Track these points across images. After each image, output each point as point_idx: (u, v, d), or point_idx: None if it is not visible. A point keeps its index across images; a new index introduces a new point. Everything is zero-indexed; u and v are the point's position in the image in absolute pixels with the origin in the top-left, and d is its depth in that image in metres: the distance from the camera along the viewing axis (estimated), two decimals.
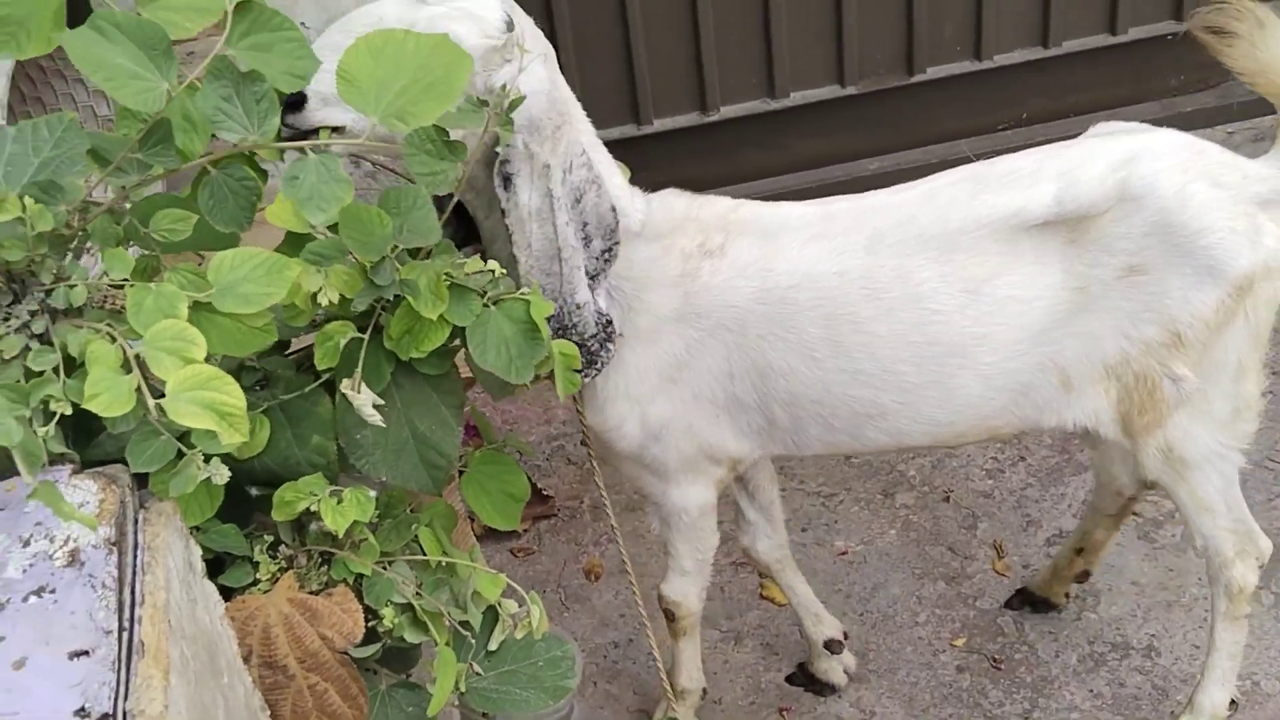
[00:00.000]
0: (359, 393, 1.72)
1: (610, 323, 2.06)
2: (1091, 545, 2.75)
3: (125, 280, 1.54)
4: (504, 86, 1.81)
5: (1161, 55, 3.91)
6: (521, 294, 1.77)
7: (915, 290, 2.07)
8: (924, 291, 2.07)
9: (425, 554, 1.90)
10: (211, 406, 1.46)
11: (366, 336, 1.74)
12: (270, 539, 1.81)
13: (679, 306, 2.12)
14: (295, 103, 1.85)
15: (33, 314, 1.55)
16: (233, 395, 1.47)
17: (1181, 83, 3.99)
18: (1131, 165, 2.02)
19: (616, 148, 3.77)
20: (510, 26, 1.89)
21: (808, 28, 3.80)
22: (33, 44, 1.56)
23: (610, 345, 2.06)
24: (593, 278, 2.02)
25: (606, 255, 2.03)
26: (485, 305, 1.75)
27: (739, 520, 2.67)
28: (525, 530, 3.28)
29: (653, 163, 3.87)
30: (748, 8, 3.74)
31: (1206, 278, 2.03)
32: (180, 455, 1.54)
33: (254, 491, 1.85)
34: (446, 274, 1.72)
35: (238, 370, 1.82)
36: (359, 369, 1.72)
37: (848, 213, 2.13)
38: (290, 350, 1.92)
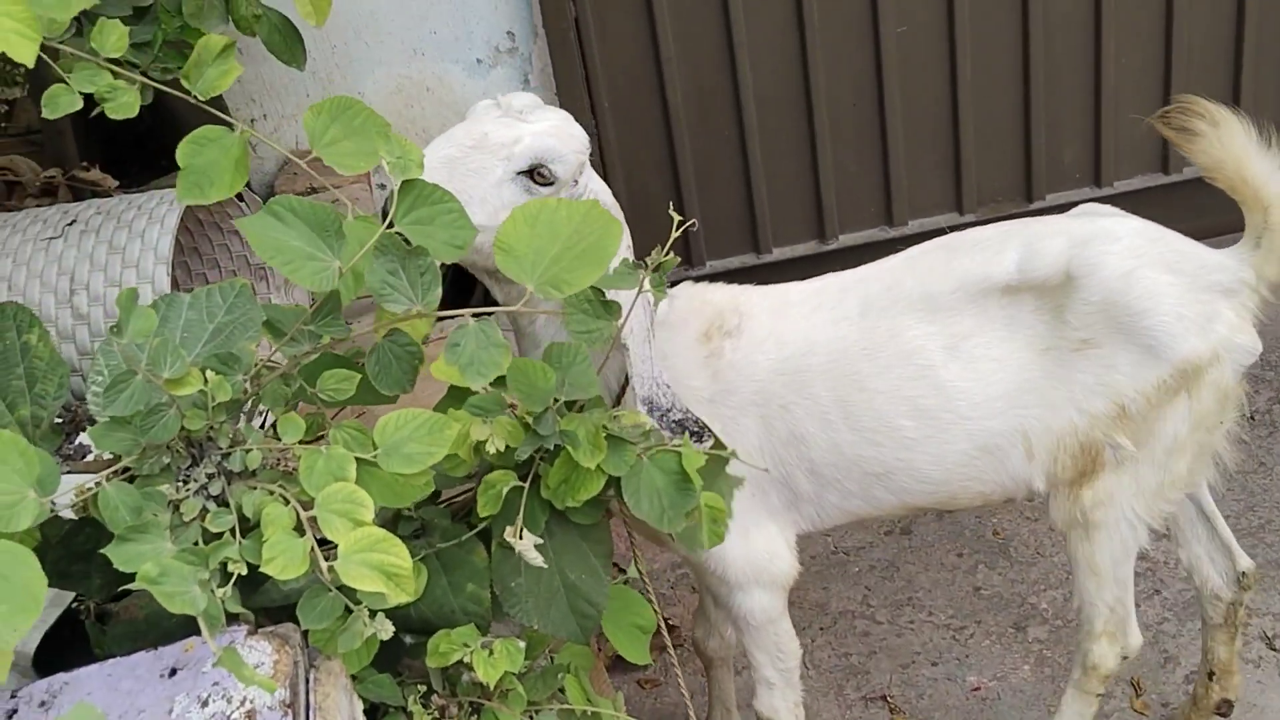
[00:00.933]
0: (520, 538, 1.77)
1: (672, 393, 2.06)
2: (1220, 666, 2.69)
3: (297, 444, 1.62)
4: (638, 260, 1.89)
5: None
6: (674, 446, 1.82)
7: (905, 347, 2.22)
8: (913, 348, 2.21)
9: (570, 702, 1.93)
10: (380, 568, 1.51)
11: (526, 485, 1.79)
12: (423, 688, 1.86)
13: (710, 386, 2.24)
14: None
15: (210, 476, 1.63)
16: (400, 556, 1.53)
17: None
18: (1086, 245, 2.14)
19: (737, 276, 3.90)
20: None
21: (925, 156, 3.85)
22: (215, 190, 1.65)
23: (693, 415, 2.03)
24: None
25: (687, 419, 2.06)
26: (639, 456, 1.80)
27: (698, 612, 2.78)
28: (654, 661, 3.29)
29: None
30: (865, 137, 3.81)
31: (1149, 356, 2.14)
32: (347, 611, 1.60)
33: (408, 639, 1.90)
34: (604, 426, 1.78)
35: (395, 519, 1.89)
36: (520, 515, 1.77)
37: (841, 285, 2.30)
38: (443, 499, 1.98)
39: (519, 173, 2.01)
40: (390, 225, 1.61)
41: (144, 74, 1.90)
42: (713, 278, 3.92)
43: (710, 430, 2.06)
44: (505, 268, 1.62)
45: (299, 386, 1.72)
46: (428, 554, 1.87)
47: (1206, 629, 2.67)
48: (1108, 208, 2.39)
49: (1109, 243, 2.15)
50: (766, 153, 3.80)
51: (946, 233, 3.91)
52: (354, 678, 1.80)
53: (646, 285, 1.88)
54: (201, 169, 1.66)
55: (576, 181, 2.07)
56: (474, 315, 1.61)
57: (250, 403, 1.71)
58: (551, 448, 1.75)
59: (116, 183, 2.95)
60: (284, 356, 1.68)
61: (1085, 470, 2.27)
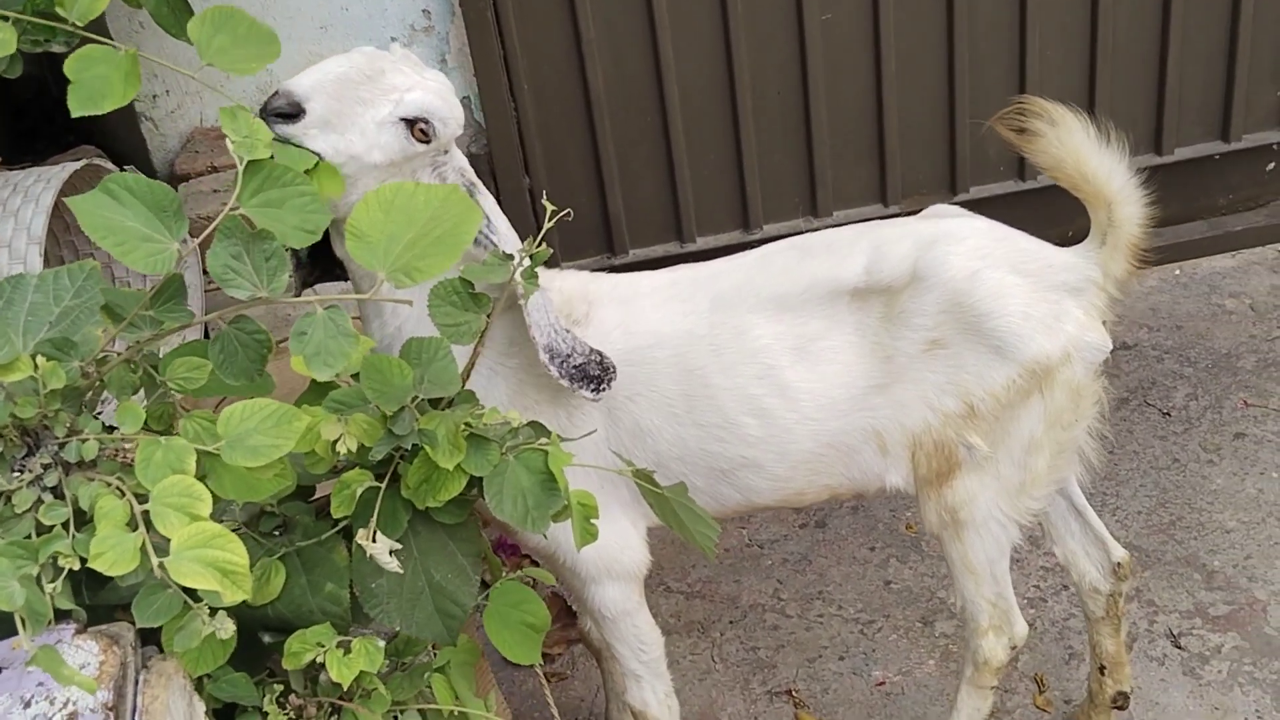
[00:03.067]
0: (374, 541, 1.71)
1: (602, 361, 2.12)
2: (1110, 659, 2.67)
3: (137, 434, 1.55)
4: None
5: (1209, 175, 3.87)
6: (540, 444, 1.77)
7: (751, 345, 2.20)
8: (759, 347, 2.20)
9: (438, 702, 1.88)
10: (215, 565, 1.46)
11: (384, 485, 1.73)
12: (280, 688, 1.80)
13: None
14: (290, 114, 1.88)
15: (45, 467, 1.56)
16: (236, 553, 1.47)
17: (1230, 202, 3.95)
18: (931, 247, 2.15)
19: (661, 264, 3.85)
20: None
21: (850, 146, 3.81)
22: (109, 101, 1.60)
23: (611, 367, 2.13)
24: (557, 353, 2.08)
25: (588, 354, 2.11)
26: (503, 455, 1.74)
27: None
28: (559, 654, 3.24)
29: None
30: (790, 126, 3.77)
31: (996, 357, 2.14)
32: (187, 608, 1.54)
33: (267, 638, 1.84)
34: (466, 424, 1.72)
35: (258, 516, 1.83)
36: (374, 518, 1.71)
37: (695, 277, 2.28)
38: (315, 496, 1.92)
39: (403, 119, 1.96)
40: (235, 208, 1.55)
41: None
42: (635, 266, 3.91)
43: (614, 370, 2.11)
44: (356, 253, 1.56)
45: (145, 373, 1.66)
46: (287, 551, 1.80)
47: (1090, 624, 2.66)
48: (955, 209, 2.38)
49: (953, 244, 2.15)
50: (690, 140, 3.74)
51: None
52: (207, 676, 1.74)
53: (517, 278, 1.83)
54: (92, 82, 1.62)
55: (447, 151, 2.04)
56: (322, 304, 1.55)
57: (94, 391, 1.64)
58: (410, 447, 1.70)
59: (1, 158, 2.86)
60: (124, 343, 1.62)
61: (943, 470, 2.26)
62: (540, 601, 2.06)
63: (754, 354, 2.23)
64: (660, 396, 2.25)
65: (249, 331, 1.59)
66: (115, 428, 1.58)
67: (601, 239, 3.86)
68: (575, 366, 2.07)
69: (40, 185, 2.34)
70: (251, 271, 1.54)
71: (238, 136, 1.53)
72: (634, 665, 2.46)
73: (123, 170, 2.57)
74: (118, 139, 3.45)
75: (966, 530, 2.32)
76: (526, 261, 1.85)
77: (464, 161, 2.09)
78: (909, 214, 3.88)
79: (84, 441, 1.56)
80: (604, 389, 2.13)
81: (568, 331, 2.05)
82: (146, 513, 1.48)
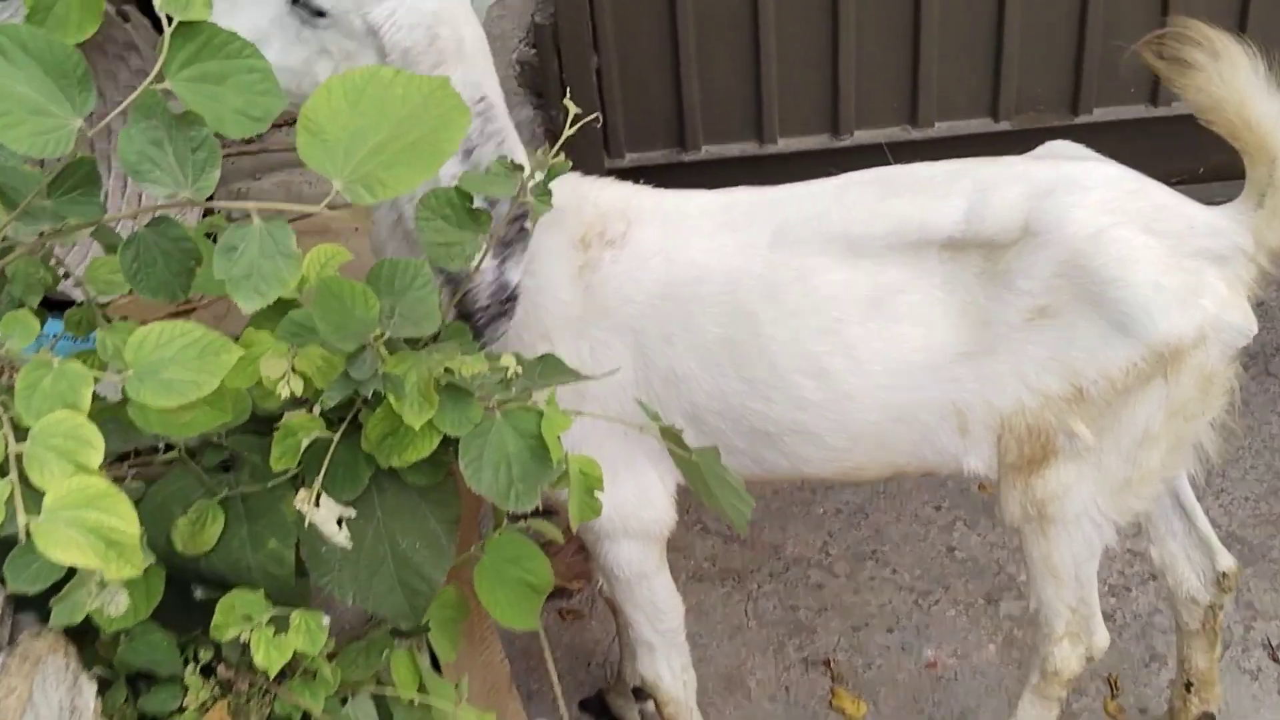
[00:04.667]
0: (317, 506, 1.40)
1: (512, 299, 1.77)
2: (1199, 677, 2.34)
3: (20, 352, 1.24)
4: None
5: None
6: (533, 404, 1.44)
7: (817, 293, 1.88)
8: (825, 295, 1.88)
9: (396, 685, 1.59)
10: (96, 531, 1.15)
11: (337, 435, 1.42)
12: (210, 654, 1.52)
13: (581, 302, 1.92)
14: None
15: None
16: (124, 518, 1.17)
17: None
18: (1048, 196, 1.81)
19: (736, 166, 3.46)
20: None
21: (962, 49, 3.37)
22: (63, 33, 1.26)
23: (501, 323, 1.78)
24: (505, 244, 1.70)
25: (520, 224, 1.70)
26: (487, 412, 1.41)
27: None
28: (577, 590, 2.96)
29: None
30: (896, 19, 3.33)
31: (1118, 334, 1.81)
32: (71, 574, 1.25)
33: (199, 593, 1.55)
34: (446, 369, 1.39)
35: (201, 447, 1.53)
36: (319, 478, 1.40)
37: (754, 203, 1.96)
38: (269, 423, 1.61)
39: (293, 2, 1.69)
40: (159, 79, 1.21)
41: None
42: (709, 165, 3.52)
43: (494, 330, 1.76)
44: (307, 155, 1.22)
45: (49, 272, 1.34)
46: (230, 495, 1.50)
47: (1181, 635, 2.32)
48: (1078, 147, 2.00)
49: (1077, 194, 1.80)
50: (782, 26, 3.31)
51: (977, 142, 3.49)
52: (126, 633, 1.46)
53: (527, 195, 1.48)
54: (45, 5, 1.26)
55: (375, 31, 1.68)
56: (261, 212, 1.22)
57: None
58: (371, 394, 1.37)
59: None
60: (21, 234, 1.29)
61: (1035, 457, 1.92)
62: (543, 558, 1.74)
63: (818, 303, 1.89)
64: (700, 340, 1.91)
65: (172, 237, 1.27)
66: None
67: (672, 130, 3.46)
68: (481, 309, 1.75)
69: (7, 11, 2.01)
70: (174, 163, 1.20)
71: None
72: (648, 633, 2.17)
73: (121, 10, 2.23)
74: None
75: (1054, 527, 1.99)
76: (539, 176, 1.49)
77: (481, 76, 1.73)
78: (1019, 134, 3.50)
79: None
80: (483, 334, 1.77)
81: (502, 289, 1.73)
82: (19, 457, 1.18)
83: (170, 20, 1.19)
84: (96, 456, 1.18)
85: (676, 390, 1.95)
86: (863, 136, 3.48)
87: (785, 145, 3.49)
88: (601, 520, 2.00)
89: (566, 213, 1.84)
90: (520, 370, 1.47)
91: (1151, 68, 1.91)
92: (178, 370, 1.24)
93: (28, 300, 1.35)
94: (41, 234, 1.25)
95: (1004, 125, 3.45)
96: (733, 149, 3.49)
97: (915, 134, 3.46)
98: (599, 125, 1.63)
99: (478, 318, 1.77)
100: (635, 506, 2.03)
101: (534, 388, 1.53)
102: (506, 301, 1.77)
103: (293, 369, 1.35)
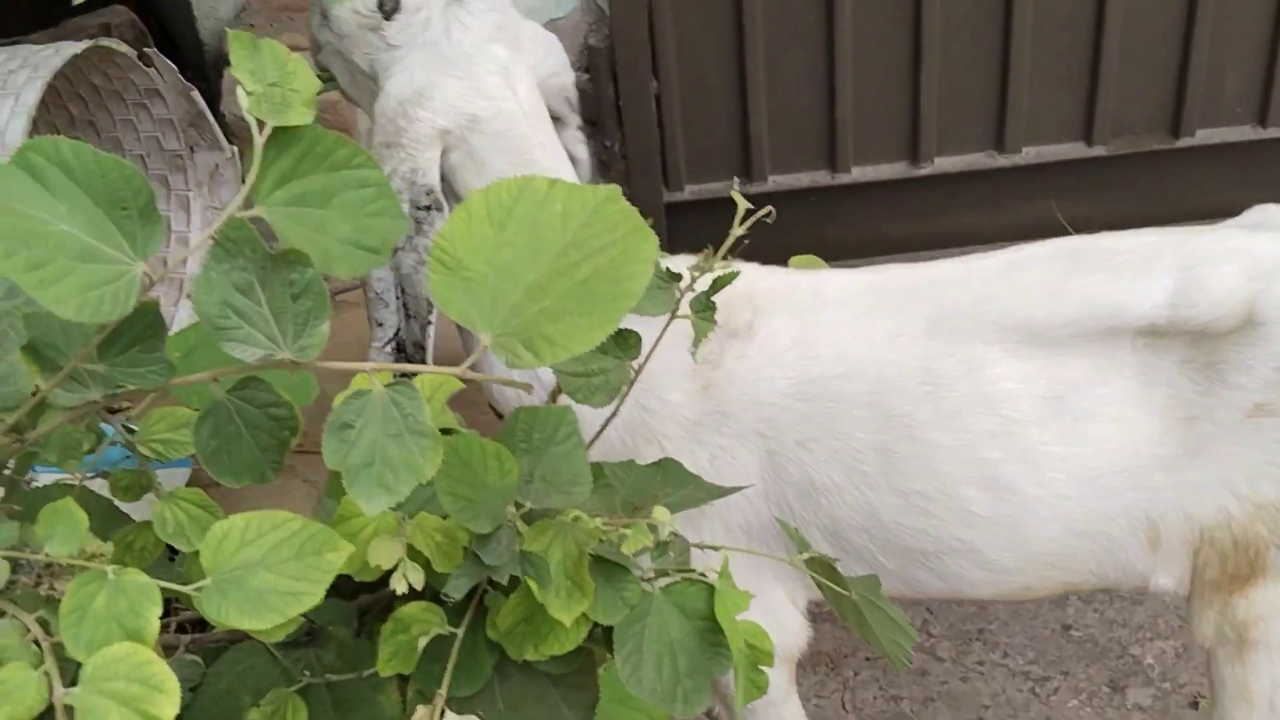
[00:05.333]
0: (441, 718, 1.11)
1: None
2: None
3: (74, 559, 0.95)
4: None
5: None
6: (700, 575, 1.14)
7: (987, 389, 1.61)
8: (998, 392, 1.60)
9: None
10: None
11: (462, 630, 1.12)
12: None
13: (698, 405, 1.66)
14: (394, 5, 1.61)
15: None
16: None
17: None
18: (1275, 278, 1.53)
19: (805, 197, 3.17)
20: (388, 10, 1.61)
21: (1053, 68, 3.08)
22: None
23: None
24: (408, 359, 1.63)
25: (422, 354, 1.62)
26: (645, 592, 1.12)
27: None
28: None
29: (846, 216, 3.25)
30: (983, 37, 3.04)
31: None
32: None
33: None
34: (596, 539, 1.09)
35: None
36: (446, 681, 1.10)
37: (908, 283, 1.69)
38: (364, 595, 1.31)
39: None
40: (247, 205, 0.91)
41: None
42: (775, 196, 3.22)
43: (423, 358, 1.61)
44: (444, 299, 0.91)
45: (95, 433, 1.04)
46: (313, 683, 1.21)
47: None
48: None
49: None
50: (859, 46, 3.03)
51: (1068, 169, 3.20)
52: None
53: (685, 308, 1.18)
54: None
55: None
56: (384, 372, 0.92)
57: (17, 460, 1.04)
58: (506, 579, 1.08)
59: None
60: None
61: (1240, 574, 1.64)
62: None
63: (990, 402, 1.60)
64: (846, 447, 1.63)
65: (261, 404, 0.97)
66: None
67: (737, 159, 3.17)
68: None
69: (23, 74, 1.71)
70: (268, 316, 0.90)
71: (255, 83, 0.89)
72: None
73: (143, 53, 1.93)
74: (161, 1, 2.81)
75: (1255, 652, 1.69)
76: (703, 283, 1.20)
77: (480, 162, 1.60)
78: (1114, 159, 3.22)
79: None
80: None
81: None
82: (69, 709, 0.89)
83: (262, 126, 0.88)
84: (171, 708, 0.89)
85: (815, 504, 1.67)
86: (943, 164, 3.19)
87: (859, 174, 3.20)
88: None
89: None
90: (678, 530, 1.17)
91: None
92: (270, 577, 0.95)
93: (66, 465, 1.05)
94: (90, 402, 0.95)
95: (1098, 150, 3.17)
96: (802, 179, 3.20)
97: (1001, 160, 3.18)
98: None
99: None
100: (768, 631, 1.74)
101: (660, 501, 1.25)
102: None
103: (405, 557, 1.06)
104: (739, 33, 2.99)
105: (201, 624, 1.26)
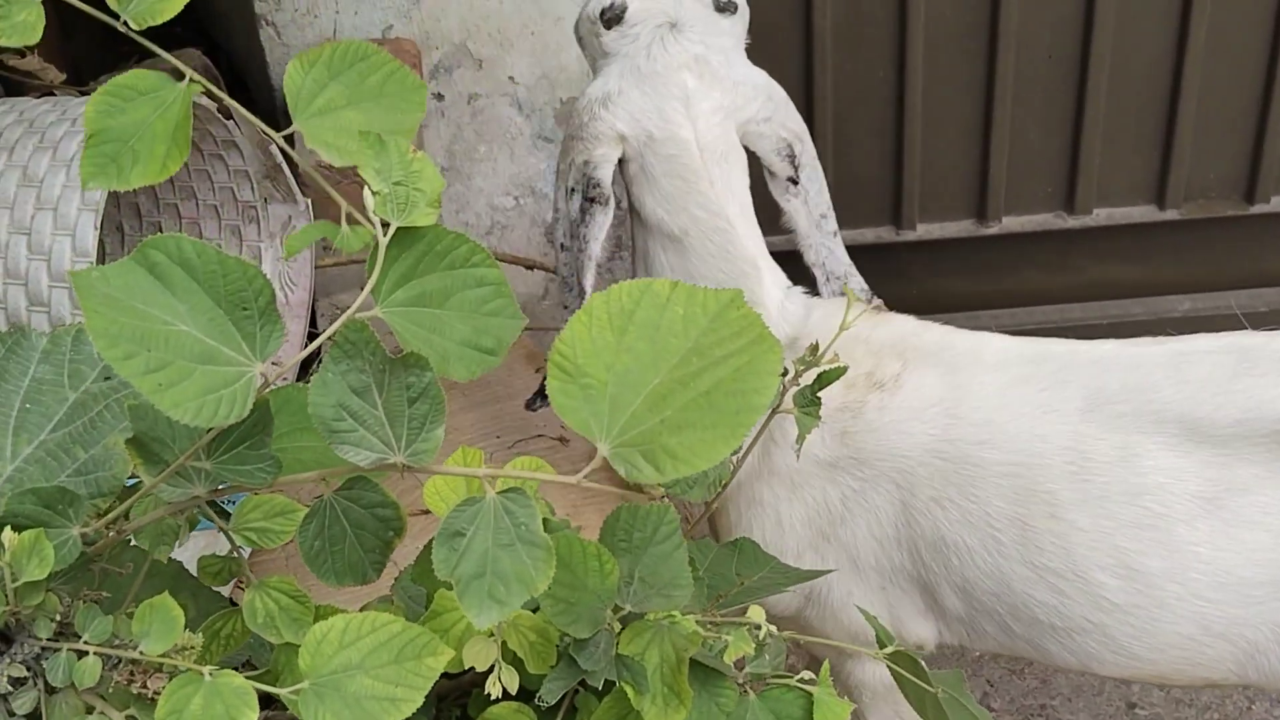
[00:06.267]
0: None
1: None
2: None
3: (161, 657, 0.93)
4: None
5: None
6: (800, 680, 1.11)
7: (1139, 479, 1.58)
8: (1149, 484, 1.57)
9: None
10: None
11: None
12: None
13: (835, 449, 1.69)
14: (615, 17, 1.70)
15: (16, 682, 0.95)
16: None
17: None
18: None
19: (868, 252, 3.13)
20: (609, 20, 1.70)
21: (1127, 129, 3.04)
22: (141, 171, 0.95)
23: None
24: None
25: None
26: (742, 697, 1.09)
27: None
28: None
29: (910, 273, 3.21)
30: (1057, 95, 3.00)
31: None
32: None
33: None
34: (694, 640, 1.06)
35: None
36: None
37: (1070, 357, 1.66)
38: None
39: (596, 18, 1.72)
40: (367, 307, 0.89)
41: None
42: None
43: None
44: (563, 406, 0.89)
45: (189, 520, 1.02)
46: None
47: None
48: None
49: None
50: (929, 103, 2.99)
51: (1139, 232, 3.15)
52: None
53: (788, 403, 1.15)
54: (120, 134, 0.95)
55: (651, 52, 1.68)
56: (493, 481, 0.89)
57: (111, 552, 1.02)
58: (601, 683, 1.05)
59: (64, 75, 2.22)
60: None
61: None
62: None
63: (1138, 491, 1.57)
64: (981, 512, 1.62)
65: (367, 505, 0.94)
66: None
67: None
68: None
69: (64, 127, 1.71)
70: (383, 419, 0.88)
71: (381, 182, 0.86)
72: None
73: (223, 106, 1.92)
74: (232, 42, 2.82)
75: None
76: (811, 377, 1.17)
77: (651, 181, 1.70)
78: (1188, 224, 3.17)
79: (80, 656, 0.93)
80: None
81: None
82: None
83: (386, 227, 0.86)
84: None
85: (946, 560, 1.67)
86: (1011, 223, 3.15)
87: (925, 232, 3.16)
88: (845, 638, 1.77)
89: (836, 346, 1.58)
90: (774, 632, 1.14)
91: None
92: (369, 682, 0.92)
93: (158, 552, 1.03)
94: (195, 498, 0.93)
95: (1171, 214, 3.12)
96: (866, 234, 3.16)
97: (1071, 221, 3.13)
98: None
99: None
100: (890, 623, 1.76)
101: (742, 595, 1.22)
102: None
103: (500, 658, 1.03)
104: (808, 85, 2.97)
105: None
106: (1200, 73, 2.95)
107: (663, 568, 1.07)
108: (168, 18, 1.04)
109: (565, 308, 1.77)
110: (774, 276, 1.75)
